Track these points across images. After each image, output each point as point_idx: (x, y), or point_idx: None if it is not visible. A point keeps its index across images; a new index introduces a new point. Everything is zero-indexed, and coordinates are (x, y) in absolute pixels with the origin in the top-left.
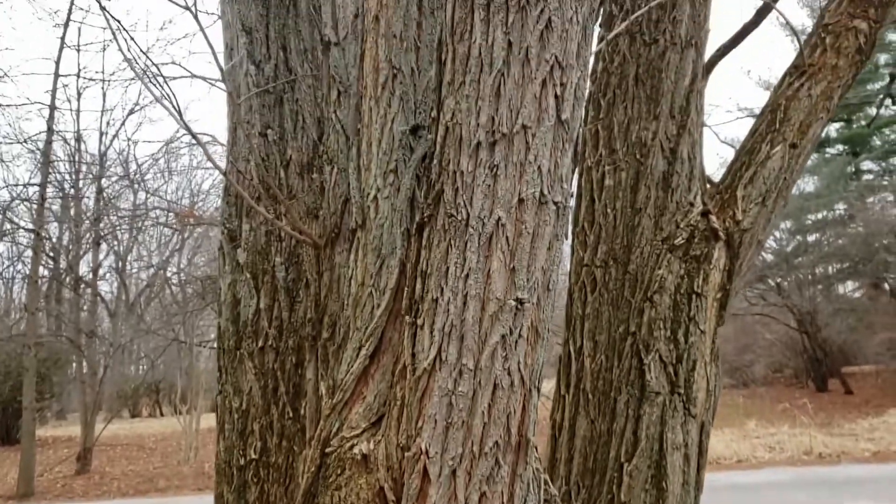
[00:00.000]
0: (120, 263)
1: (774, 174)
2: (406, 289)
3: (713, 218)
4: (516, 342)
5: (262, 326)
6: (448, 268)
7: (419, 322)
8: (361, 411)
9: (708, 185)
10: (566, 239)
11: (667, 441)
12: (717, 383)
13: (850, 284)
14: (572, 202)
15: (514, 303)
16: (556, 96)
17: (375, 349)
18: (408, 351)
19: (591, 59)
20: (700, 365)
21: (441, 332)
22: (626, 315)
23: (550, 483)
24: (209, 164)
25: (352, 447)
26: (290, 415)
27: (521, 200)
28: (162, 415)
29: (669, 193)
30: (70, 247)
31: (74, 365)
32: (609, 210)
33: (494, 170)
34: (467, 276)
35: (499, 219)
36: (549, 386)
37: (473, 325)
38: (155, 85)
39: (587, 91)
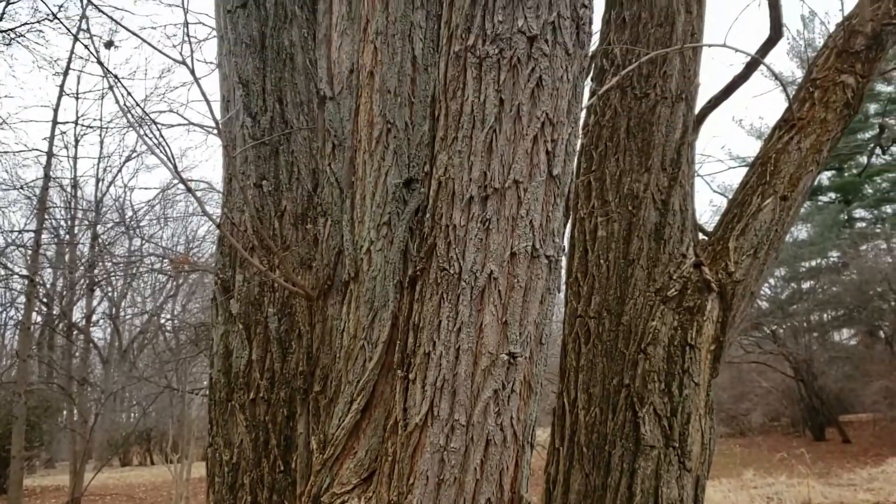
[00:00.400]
0: (113, 310)
1: (766, 226)
2: (398, 342)
3: (706, 269)
4: (509, 397)
5: (254, 378)
6: (440, 321)
7: (411, 376)
8: (352, 467)
9: (701, 235)
10: (559, 291)
11: (662, 496)
12: (711, 436)
13: (845, 332)
14: (564, 255)
15: (506, 357)
16: (547, 152)
17: (367, 403)
18: (399, 406)
19: (583, 113)
20: (695, 418)
21: (433, 386)
22: (620, 367)
23: None
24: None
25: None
26: (281, 468)
27: (513, 254)
28: (153, 463)
29: (662, 245)
30: (64, 293)
31: (65, 413)
32: (602, 261)
33: (486, 224)
34: (459, 329)
35: (491, 272)
36: (544, 435)
37: (466, 379)
38: (150, 135)
39: (579, 144)
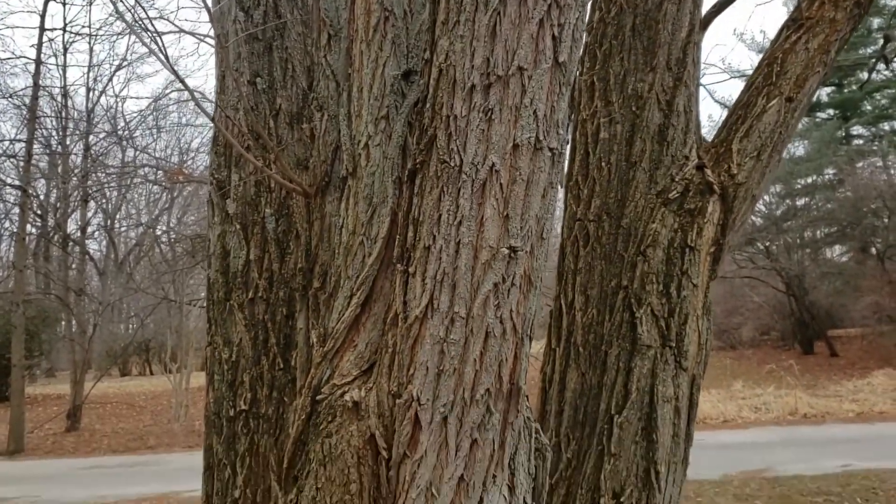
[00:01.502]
0: (108, 221)
1: (770, 128)
2: (398, 237)
3: (708, 172)
4: (509, 290)
5: (252, 278)
6: (440, 215)
7: (411, 270)
8: (352, 359)
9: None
10: (560, 188)
11: (658, 394)
12: (708, 337)
13: (837, 248)
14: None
15: (507, 251)
16: (553, 37)
17: (367, 298)
18: (399, 299)
19: (588, 7)
20: (692, 319)
21: (433, 279)
22: (619, 269)
23: (542, 432)
24: (198, 122)
25: (343, 395)
26: (281, 366)
27: (515, 146)
28: (152, 373)
29: (665, 147)
30: (58, 204)
31: (63, 323)
32: (603, 163)
33: (489, 114)
34: (460, 223)
35: (493, 165)
36: (538, 346)
37: (466, 272)
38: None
39: (584, 40)
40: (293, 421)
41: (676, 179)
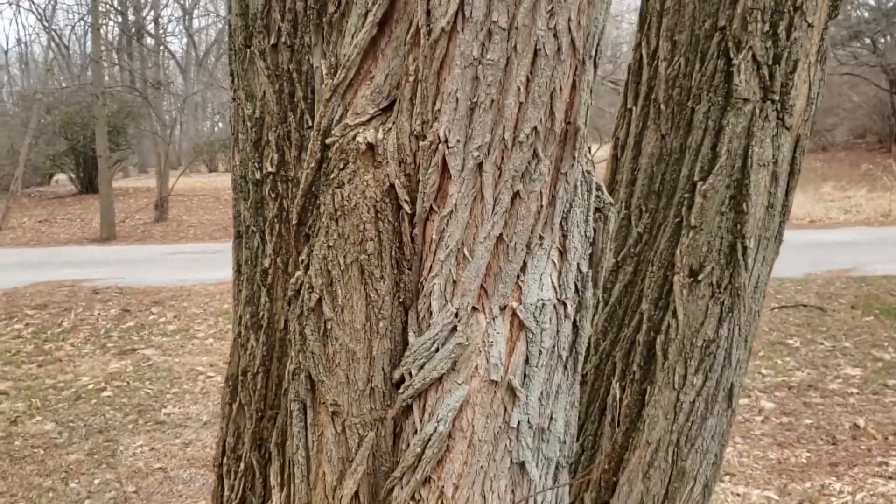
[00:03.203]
0: (187, 19)
1: None
2: None
3: None
4: None
5: (274, 20)
6: None
7: None
8: (369, 94)
9: None
10: None
11: (752, 156)
12: (820, 91)
13: None
14: None
15: None
16: None
17: (386, 14)
18: (422, 7)
19: None
20: (802, 66)
21: None
22: (716, 6)
23: (604, 189)
24: None
25: (355, 137)
26: (309, 123)
27: None
28: None
29: None
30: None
31: (147, 123)
32: None
33: None
34: None
35: None
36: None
37: None
38: None
39: None
40: (303, 170)
41: None
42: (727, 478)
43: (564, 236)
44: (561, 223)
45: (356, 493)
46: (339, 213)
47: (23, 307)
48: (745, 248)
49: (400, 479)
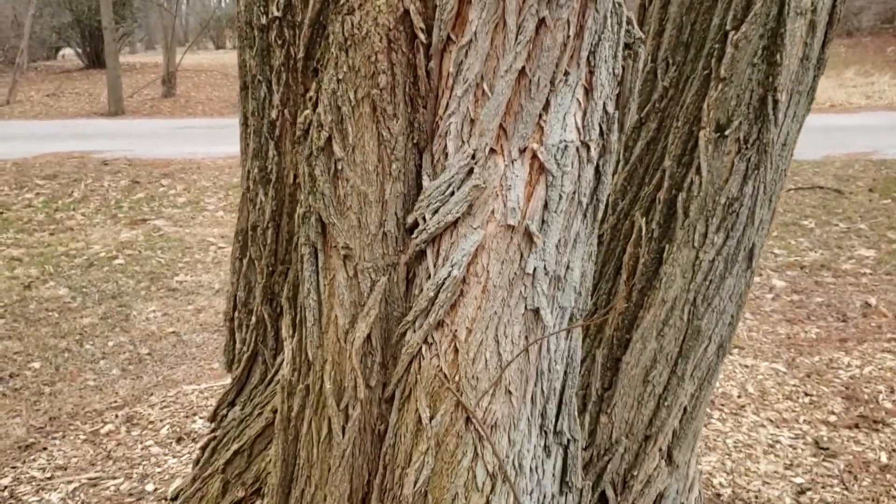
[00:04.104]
0: None
1: None
2: None
3: None
4: None
5: None
6: None
7: None
8: None
9: None
10: None
11: (789, 3)
12: None
13: None
14: None
15: None
16: None
17: None
18: None
19: None
20: None
21: None
22: None
23: (635, 24)
24: None
25: None
26: None
27: None
28: None
29: None
30: None
31: None
32: None
33: None
34: None
35: None
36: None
37: None
38: None
39: None
40: None
41: None
42: (735, 350)
43: (591, 73)
44: (588, 58)
45: (368, 337)
46: (348, 42)
47: (33, 177)
48: (775, 102)
49: (412, 323)
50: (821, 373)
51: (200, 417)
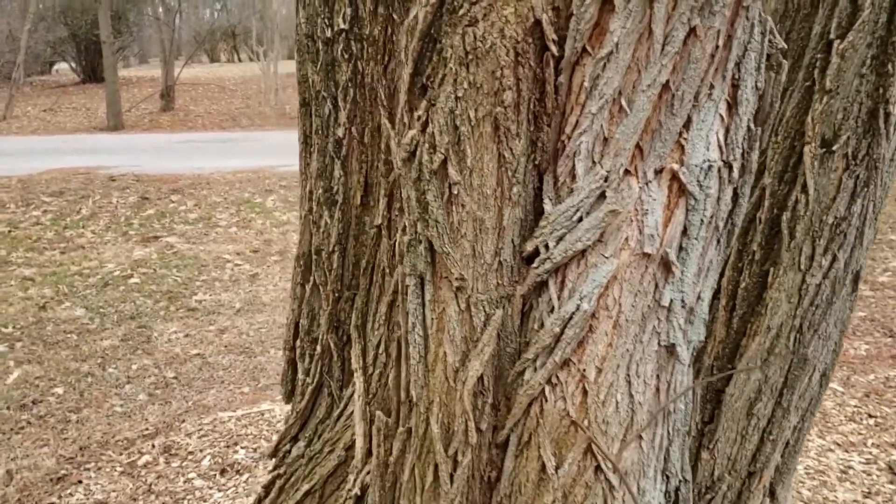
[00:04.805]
0: None
1: None
2: None
3: None
4: None
5: None
6: None
7: None
8: None
9: None
10: None
11: None
12: None
13: None
14: None
15: None
16: None
17: None
18: None
19: None
20: None
21: None
22: None
23: (776, 32)
24: None
25: None
26: None
27: None
28: (240, 60)
29: None
30: None
31: (150, 8)
32: None
33: None
34: None
35: None
36: None
37: None
38: None
39: None
40: (420, 7)
41: None
42: None
43: (735, 86)
44: (733, 71)
45: (481, 376)
46: (470, 57)
47: (39, 194)
48: (887, 115)
49: (533, 362)
50: (879, 392)
51: (242, 447)
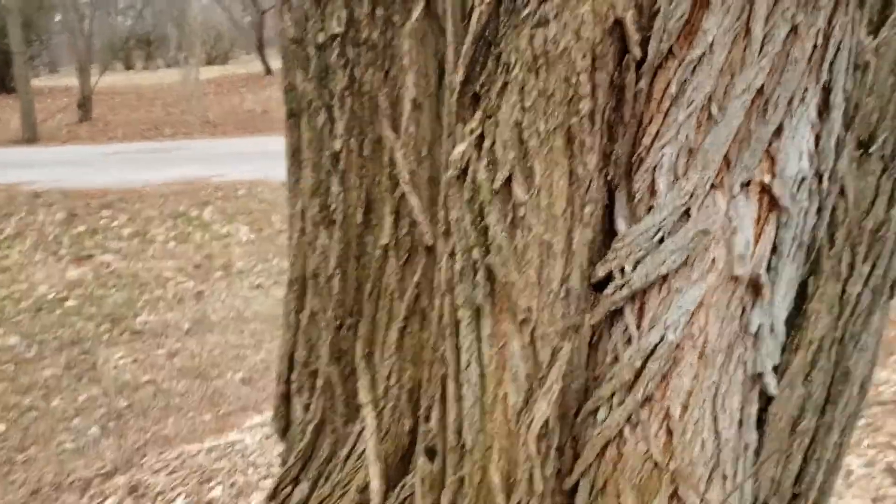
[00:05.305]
0: None
1: None
2: None
3: None
4: None
5: None
6: None
7: None
8: None
9: None
10: None
11: None
12: None
13: None
14: None
15: None
16: None
17: None
18: None
19: None
20: None
21: None
22: None
23: (864, 32)
24: None
25: None
26: None
27: None
28: (157, 67)
29: None
30: None
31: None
32: None
33: None
34: None
35: None
36: None
37: None
38: None
39: None
40: (476, 5)
41: None
42: None
43: (827, 89)
44: (827, 72)
45: (548, 418)
46: (540, 62)
47: None
48: None
49: (609, 400)
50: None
51: (218, 483)
